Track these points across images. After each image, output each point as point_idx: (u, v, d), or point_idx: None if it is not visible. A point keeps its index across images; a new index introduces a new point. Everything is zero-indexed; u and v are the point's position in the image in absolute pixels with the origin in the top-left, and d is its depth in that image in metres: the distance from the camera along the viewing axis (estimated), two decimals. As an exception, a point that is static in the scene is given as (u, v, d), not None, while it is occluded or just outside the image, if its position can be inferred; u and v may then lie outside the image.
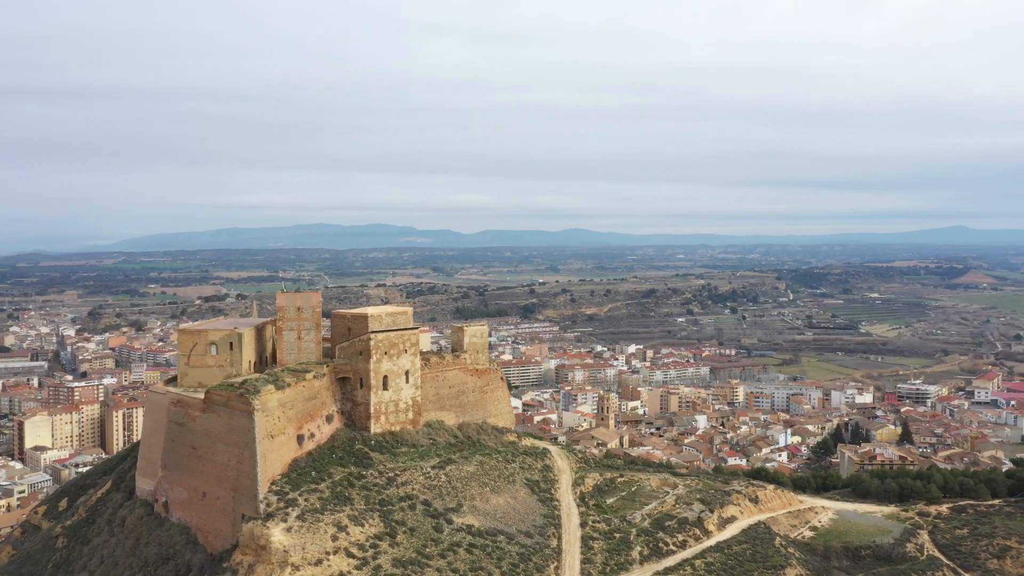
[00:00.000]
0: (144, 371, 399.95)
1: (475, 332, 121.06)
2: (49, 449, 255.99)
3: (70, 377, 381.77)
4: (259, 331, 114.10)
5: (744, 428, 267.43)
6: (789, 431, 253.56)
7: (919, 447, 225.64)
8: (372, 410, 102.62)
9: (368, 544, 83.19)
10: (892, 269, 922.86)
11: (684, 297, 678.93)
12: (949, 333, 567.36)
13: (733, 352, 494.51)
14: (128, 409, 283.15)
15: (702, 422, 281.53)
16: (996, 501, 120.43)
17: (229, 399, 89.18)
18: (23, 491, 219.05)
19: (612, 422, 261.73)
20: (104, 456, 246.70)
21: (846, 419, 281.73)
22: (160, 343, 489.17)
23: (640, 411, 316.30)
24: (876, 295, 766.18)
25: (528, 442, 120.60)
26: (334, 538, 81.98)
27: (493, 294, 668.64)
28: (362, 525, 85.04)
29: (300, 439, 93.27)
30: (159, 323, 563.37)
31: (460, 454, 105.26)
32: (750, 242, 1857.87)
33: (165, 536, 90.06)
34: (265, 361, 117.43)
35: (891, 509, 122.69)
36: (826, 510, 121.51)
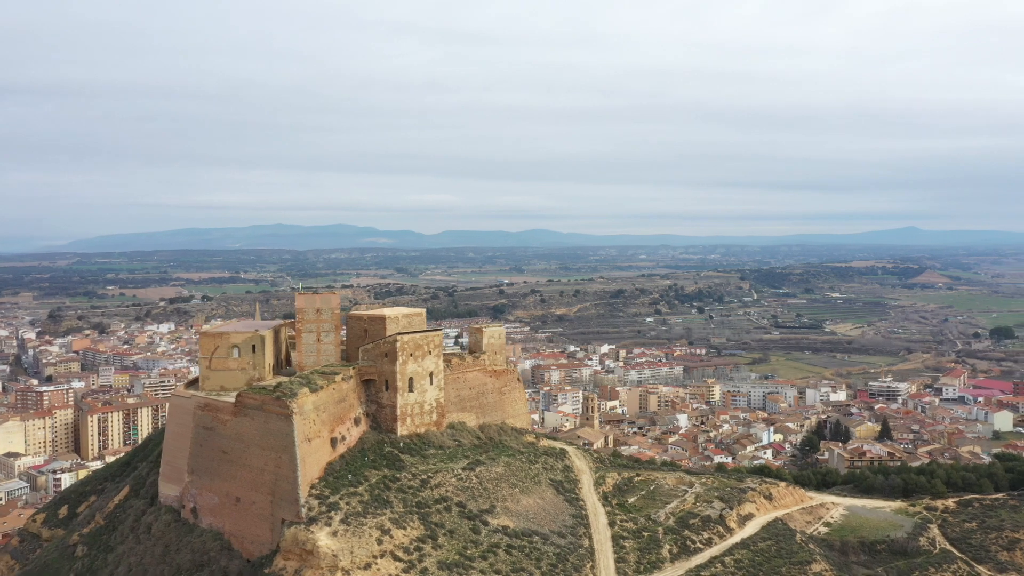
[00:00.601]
0: (112, 374, 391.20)
1: (493, 333, 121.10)
2: (23, 455, 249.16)
3: (35, 381, 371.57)
4: (276, 333, 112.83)
5: (726, 427, 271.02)
6: (771, 429, 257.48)
7: (900, 443, 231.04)
8: (398, 412, 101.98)
9: (412, 547, 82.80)
10: (851, 269, 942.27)
11: (652, 297, 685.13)
12: (910, 332, 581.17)
13: (704, 352, 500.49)
14: (103, 414, 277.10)
15: (683, 421, 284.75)
16: (1000, 495, 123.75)
17: (264, 402, 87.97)
18: (0, 498, 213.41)
19: (597, 422, 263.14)
20: (80, 462, 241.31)
21: (823, 416, 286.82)
22: (125, 346, 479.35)
23: (619, 411, 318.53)
24: (837, 295, 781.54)
25: (545, 443, 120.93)
26: (379, 541, 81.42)
27: (462, 295, 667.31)
28: (404, 528, 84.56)
29: (333, 442, 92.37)
30: (123, 325, 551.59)
31: (486, 455, 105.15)
32: (710, 242, 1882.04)
33: (197, 542, 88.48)
34: (280, 364, 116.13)
35: (898, 504, 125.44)
36: (836, 506, 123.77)
